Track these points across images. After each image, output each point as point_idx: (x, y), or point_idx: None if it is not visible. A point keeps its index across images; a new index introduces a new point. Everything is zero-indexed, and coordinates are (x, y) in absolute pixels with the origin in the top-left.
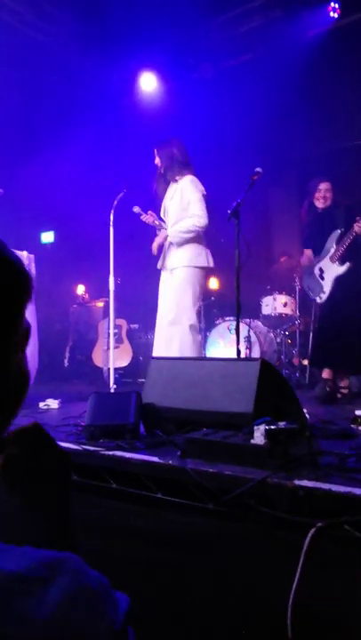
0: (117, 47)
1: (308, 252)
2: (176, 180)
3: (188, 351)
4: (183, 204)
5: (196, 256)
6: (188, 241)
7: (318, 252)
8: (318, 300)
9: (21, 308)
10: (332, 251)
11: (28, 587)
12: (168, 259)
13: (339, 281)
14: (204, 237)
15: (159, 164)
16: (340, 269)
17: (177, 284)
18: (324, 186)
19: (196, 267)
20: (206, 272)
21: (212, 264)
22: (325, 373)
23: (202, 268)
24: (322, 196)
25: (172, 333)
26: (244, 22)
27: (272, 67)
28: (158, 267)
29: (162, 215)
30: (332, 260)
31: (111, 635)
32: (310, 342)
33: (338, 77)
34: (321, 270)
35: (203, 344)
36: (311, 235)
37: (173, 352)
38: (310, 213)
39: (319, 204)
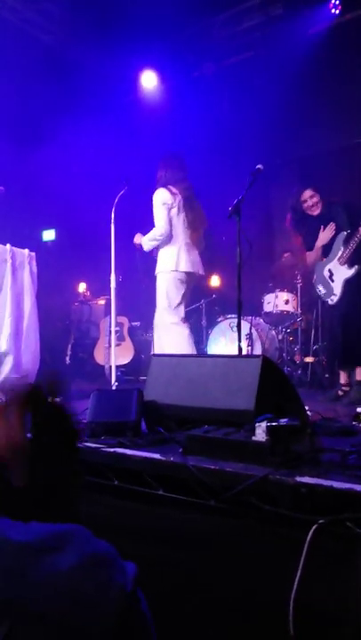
0: (118, 45)
1: (310, 254)
2: None
3: (179, 347)
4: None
5: (164, 261)
6: (158, 248)
7: (326, 253)
8: (330, 302)
9: None
10: (340, 253)
11: (40, 556)
12: None
13: (349, 284)
14: (178, 241)
15: None
16: (349, 272)
17: (157, 290)
18: (307, 194)
19: (165, 272)
20: (186, 275)
21: (182, 268)
22: (343, 378)
23: (172, 272)
24: (310, 205)
25: (157, 334)
26: (245, 20)
27: (273, 64)
28: None
29: None
30: (340, 262)
31: (123, 597)
32: (311, 340)
33: (340, 74)
34: (330, 272)
35: (205, 342)
36: (312, 239)
37: (165, 351)
38: (304, 220)
39: (313, 212)
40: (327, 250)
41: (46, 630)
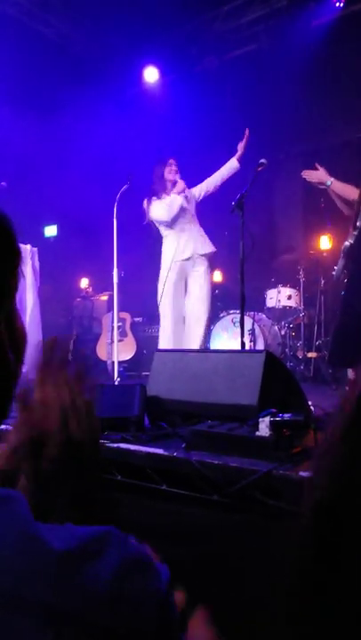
0: (119, 39)
1: None
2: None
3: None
4: None
5: (209, 243)
6: (199, 227)
7: None
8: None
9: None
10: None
11: (83, 564)
12: None
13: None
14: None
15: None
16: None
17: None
18: None
19: (210, 254)
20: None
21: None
22: (351, 373)
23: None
24: None
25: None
26: (248, 12)
27: (276, 57)
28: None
29: None
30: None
31: (160, 600)
32: (313, 336)
33: (343, 68)
34: None
35: (207, 337)
36: None
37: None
38: None
39: None
40: None
41: (92, 638)
